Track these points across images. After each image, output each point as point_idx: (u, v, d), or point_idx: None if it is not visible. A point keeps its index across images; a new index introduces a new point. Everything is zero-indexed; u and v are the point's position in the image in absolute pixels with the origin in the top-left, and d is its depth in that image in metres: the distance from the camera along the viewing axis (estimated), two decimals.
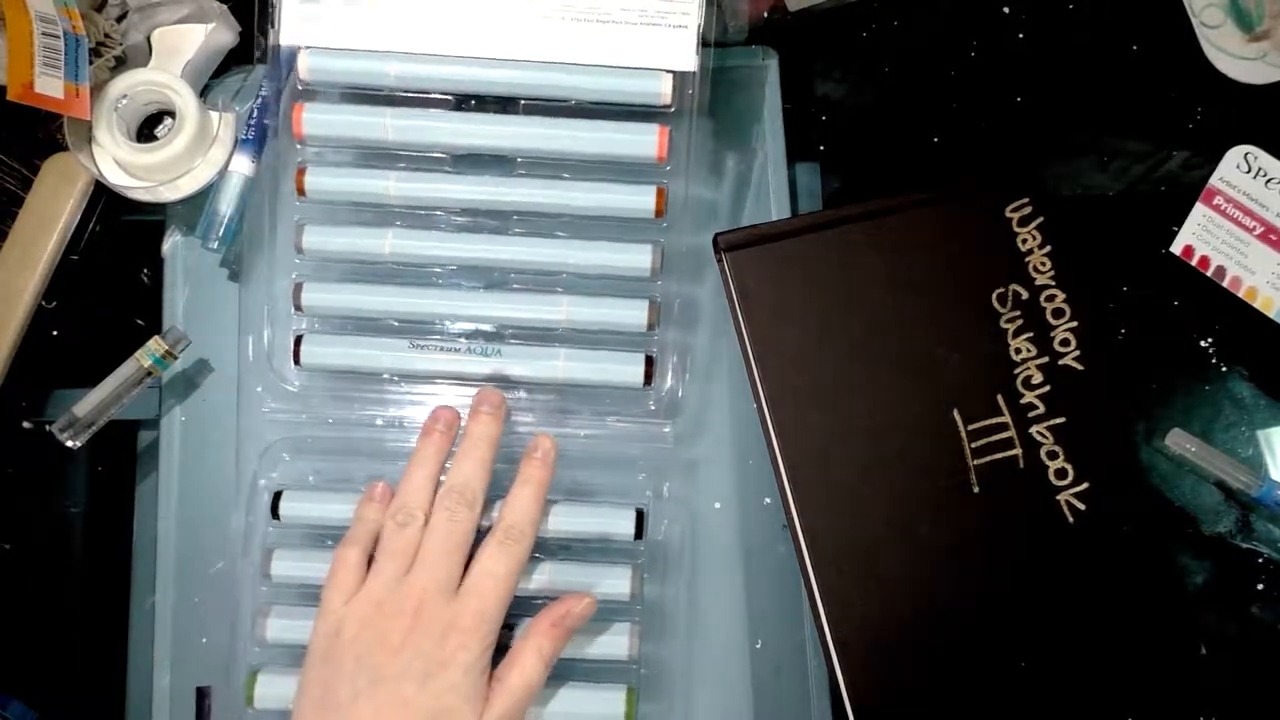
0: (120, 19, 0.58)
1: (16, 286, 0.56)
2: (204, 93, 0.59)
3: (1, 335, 0.55)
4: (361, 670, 0.45)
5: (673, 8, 0.51)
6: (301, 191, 0.54)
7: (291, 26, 0.53)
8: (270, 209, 0.55)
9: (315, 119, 0.54)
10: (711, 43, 0.54)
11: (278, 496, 0.52)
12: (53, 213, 0.57)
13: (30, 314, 0.56)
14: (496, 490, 0.54)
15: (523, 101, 0.54)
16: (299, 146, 0.54)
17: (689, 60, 0.52)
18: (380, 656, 0.45)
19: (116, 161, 0.57)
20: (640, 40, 0.52)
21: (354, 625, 0.46)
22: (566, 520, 0.52)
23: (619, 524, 0.52)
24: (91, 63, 0.55)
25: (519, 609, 0.52)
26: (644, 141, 0.53)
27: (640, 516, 0.52)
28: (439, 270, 0.55)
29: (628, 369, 0.53)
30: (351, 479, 0.54)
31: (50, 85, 0.53)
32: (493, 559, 0.47)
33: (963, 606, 0.51)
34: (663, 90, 0.52)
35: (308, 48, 0.53)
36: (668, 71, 0.52)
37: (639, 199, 0.53)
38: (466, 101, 0.54)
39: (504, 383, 0.54)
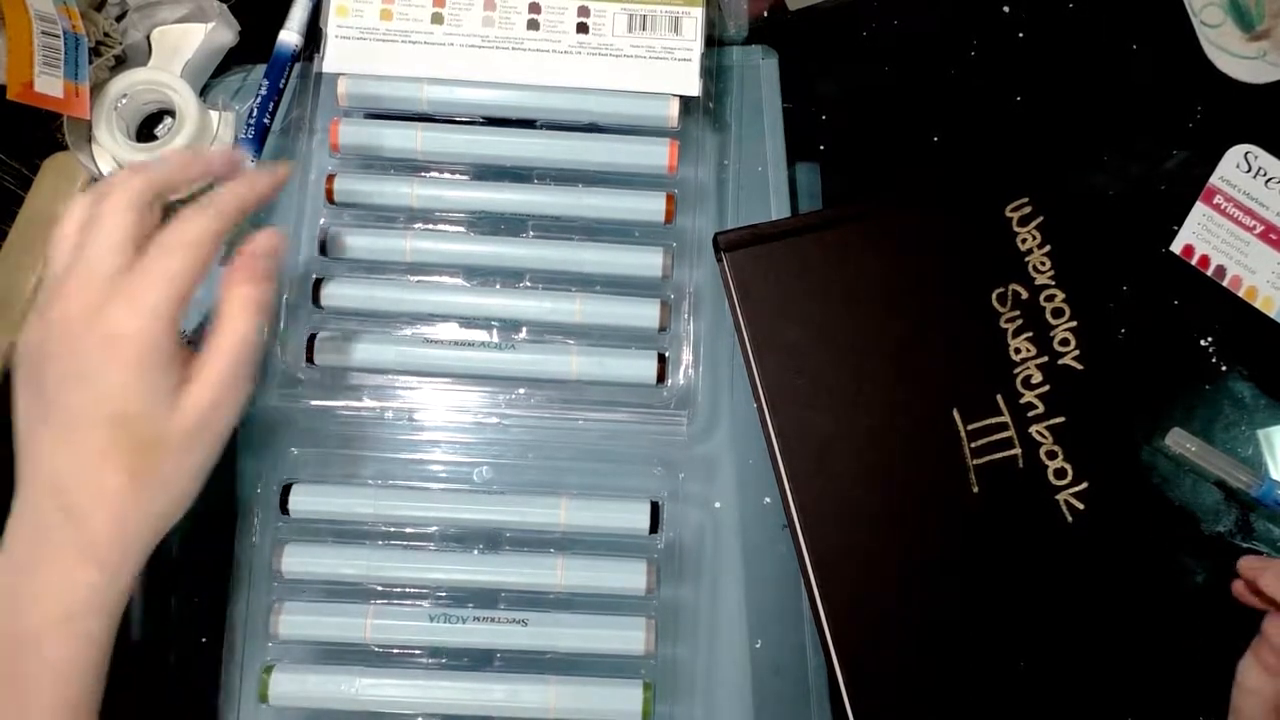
0: (120, 18, 0.58)
1: (17, 286, 0.56)
2: (204, 92, 0.59)
3: (1, 335, 0.55)
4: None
5: (678, 44, 0.56)
6: (330, 197, 0.55)
7: (334, 57, 0.57)
8: (296, 212, 0.56)
9: (350, 131, 0.56)
10: (716, 42, 0.58)
11: (287, 490, 0.52)
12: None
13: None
14: (511, 489, 0.54)
15: (539, 122, 0.57)
16: (331, 157, 0.57)
17: (693, 87, 0.56)
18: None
19: (116, 161, 0.57)
20: (650, 71, 0.57)
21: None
22: (579, 514, 0.52)
23: (633, 518, 0.52)
24: (91, 62, 0.55)
25: (520, 603, 0.52)
26: (656, 153, 0.56)
27: (655, 509, 0.52)
28: (456, 268, 0.56)
29: (641, 366, 0.54)
30: (360, 473, 0.54)
31: (50, 84, 0.53)
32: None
33: (962, 606, 0.51)
34: (670, 114, 0.56)
35: (347, 74, 0.57)
36: (675, 96, 0.56)
37: (651, 204, 0.56)
38: (491, 123, 0.58)
39: (517, 379, 0.54)
